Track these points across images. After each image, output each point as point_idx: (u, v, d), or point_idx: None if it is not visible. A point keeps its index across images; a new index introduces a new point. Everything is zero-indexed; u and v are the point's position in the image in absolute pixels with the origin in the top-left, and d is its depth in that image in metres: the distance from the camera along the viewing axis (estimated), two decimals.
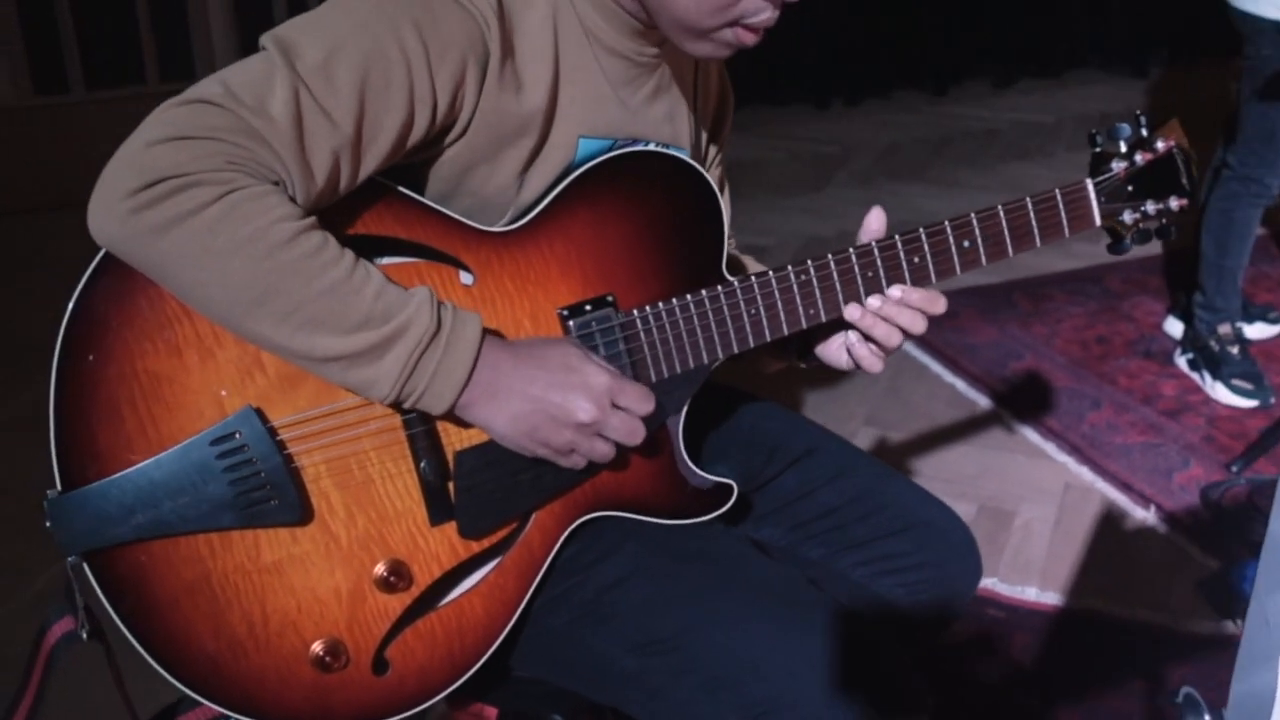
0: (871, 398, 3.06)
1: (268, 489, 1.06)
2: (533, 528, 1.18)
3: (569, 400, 1.09)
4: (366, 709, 1.13)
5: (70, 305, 1.03)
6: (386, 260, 1.13)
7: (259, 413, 1.06)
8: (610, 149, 1.21)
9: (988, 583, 2.36)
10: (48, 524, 1.02)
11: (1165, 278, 3.56)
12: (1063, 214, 1.29)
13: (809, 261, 1.24)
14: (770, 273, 1.23)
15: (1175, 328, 3.22)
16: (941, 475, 2.73)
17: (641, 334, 1.20)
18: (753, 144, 4.69)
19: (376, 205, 1.12)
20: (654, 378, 1.21)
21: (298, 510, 1.08)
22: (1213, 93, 4.94)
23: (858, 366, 1.29)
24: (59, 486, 1.03)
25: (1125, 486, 2.64)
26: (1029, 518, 2.58)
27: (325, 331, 1.01)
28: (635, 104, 1.26)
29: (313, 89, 1.02)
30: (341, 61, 1.03)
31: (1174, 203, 1.32)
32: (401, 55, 1.05)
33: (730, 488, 1.25)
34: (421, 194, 1.16)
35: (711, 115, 1.43)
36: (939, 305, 1.25)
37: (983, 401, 3.02)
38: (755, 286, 1.22)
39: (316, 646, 1.10)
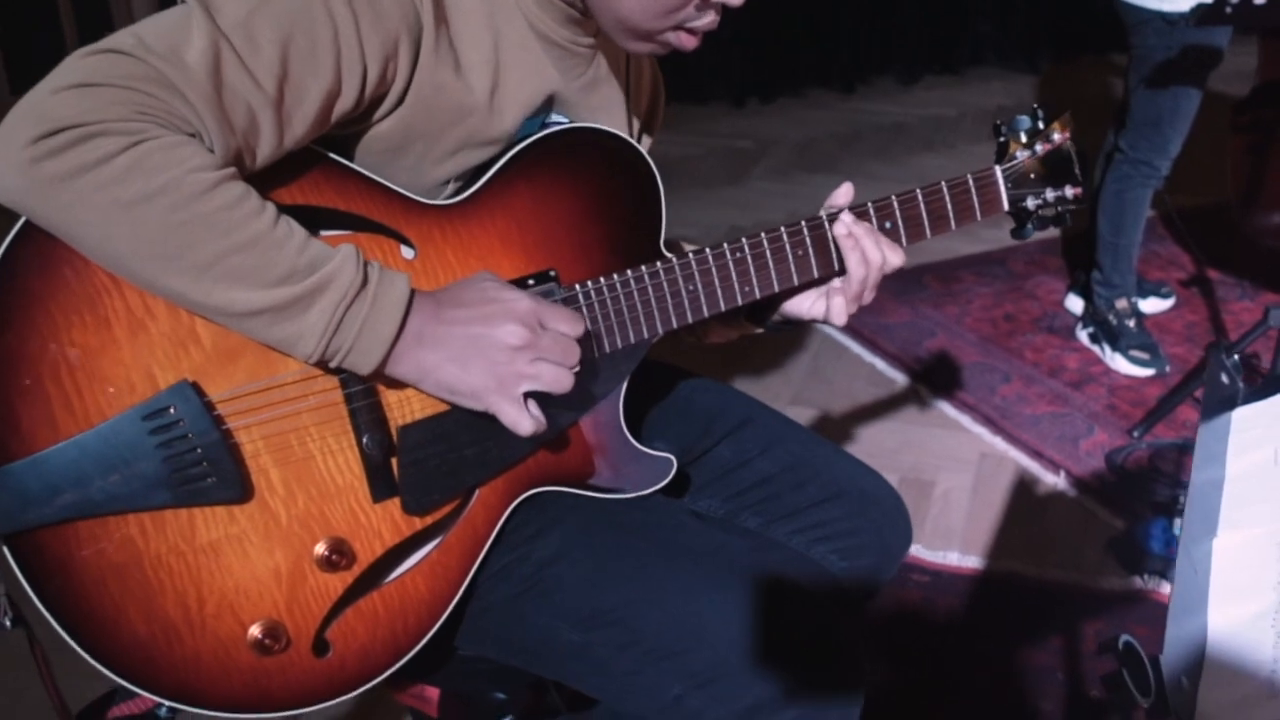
0: (796, 379, 3.01)
1: (204, 466, 0.96)
2: (476, 504, 1.09)
3: (496, 327, 0.98)
4: (307, 692, 1.03)
5: None
6: (325, 232, 1.03)
7: (194, 386, 0.96)
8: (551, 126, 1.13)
9: (913, 550, 2.32)
10: None
11: (1065, 258, 3.56)
12: (974, 198, 1.28)
13: (744, 239, 1.18)
14: (708, 250, 1.16)
15: (1076, 304, 3.21)
16: (864, 450, 2.69)
17: (584, 309, 1.12)
18: (675, 141, 4.62)
19: (313, 175, 1.02)
20: (595, 352, 1.13)
21: (237, 487, 0.98)
22: (1096, 85, 5.02)
23: (826, 319, 1.23)
24: None
25: (1036, 454, 2.62)
26: (948, 487, 2.55)
27: (246, 285, 0.91)
28: (573, 89, 1.18)
29: (234, 42, 0.91)
30: (264, 19, 0.93)
31: (1069, 191, 1.32)
32: (329, 19, 0.96)
33: (670, 461, 1.18)
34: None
35: (645, 109, 1.36)
36: (897, 255, 1.22)
37: (900, 379, 2.99)
38: (693, 264, 1.15)
39: (255, 629, 1.00)
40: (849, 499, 1.36)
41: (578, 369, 1.02)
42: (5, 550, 0.93)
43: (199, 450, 0.96)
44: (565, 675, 1.15)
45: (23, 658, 1.07)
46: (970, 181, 1.28)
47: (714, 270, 1.17)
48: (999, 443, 2.68)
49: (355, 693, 1.05)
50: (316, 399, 1.01)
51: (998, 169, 1.29)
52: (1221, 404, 1.16)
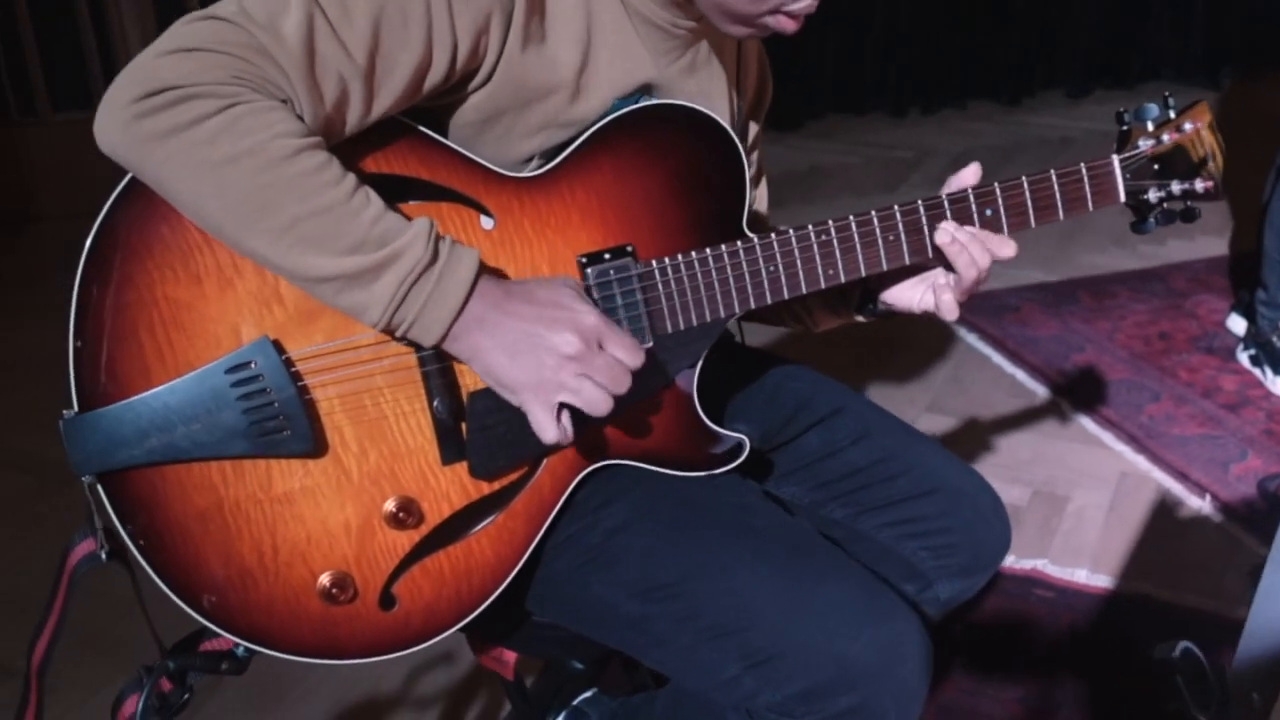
0: (935, 385, 2.92)
1: (281, 419, 0.99)
2: (544, 473, 1.09)
3: (555, 333, 0.97)
4: (373, 643, 1.05)
5: (93, 230, 0.96)
6: (410, 201, 1.04)
7: (275, 344, 0.99)
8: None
9: (1037, 563, 2.21)
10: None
11: (1229, 276, 3.34)
12: (1087, 188, 1.21)
13: (830, 222, 1.14)
14: (791, 231, 1.12)
15: (1238, 325, 3.00)
16: (997, 460, 2.58)
17: (659, 285, 1.10)
18: (832, 149, 4.54)
19: (400, 145, 1.04)
20: (669, 329, 1.11)
21: (309, 442, 1.00)
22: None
23: (936, 312, 1.20)
24: (75, 408, 0.96)
25: (1181, 476, 2.45)
26: (1082, 503, 2.42)
27: (319, 251, 0.93)
28: (670, 74, 1.17)
29: (329, 14, 0.94)
30: None
31: (1199, 184, 1.24)
32: None
33: (743, 442, 1.15)
34: (445, 137, 1.07)
35: (751, 97, 1.33)
36: (1008, 248, 1.17)
37: (1041, 391, 2.85)
38: (775, 244, 1.12)
39: (324, 578, 1.02)
40: (942, 495, 1.30)
41: (622, 394, 1.00)
42: (99, 488, 0.97)
43: (276, 404, 0.99)
44: (627, 646, 1.13)
45: (115, 594, 1.11)
46: (1083, 170, 1.21)
47: (797, 251, 1.13)
48: (1141, 462, 2.53)
49: (419, 647, 1.06)
50: (391, 361, 1.03)
51: (1115, 158, 1.22)
52: None
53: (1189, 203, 1.26)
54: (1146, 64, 5.09)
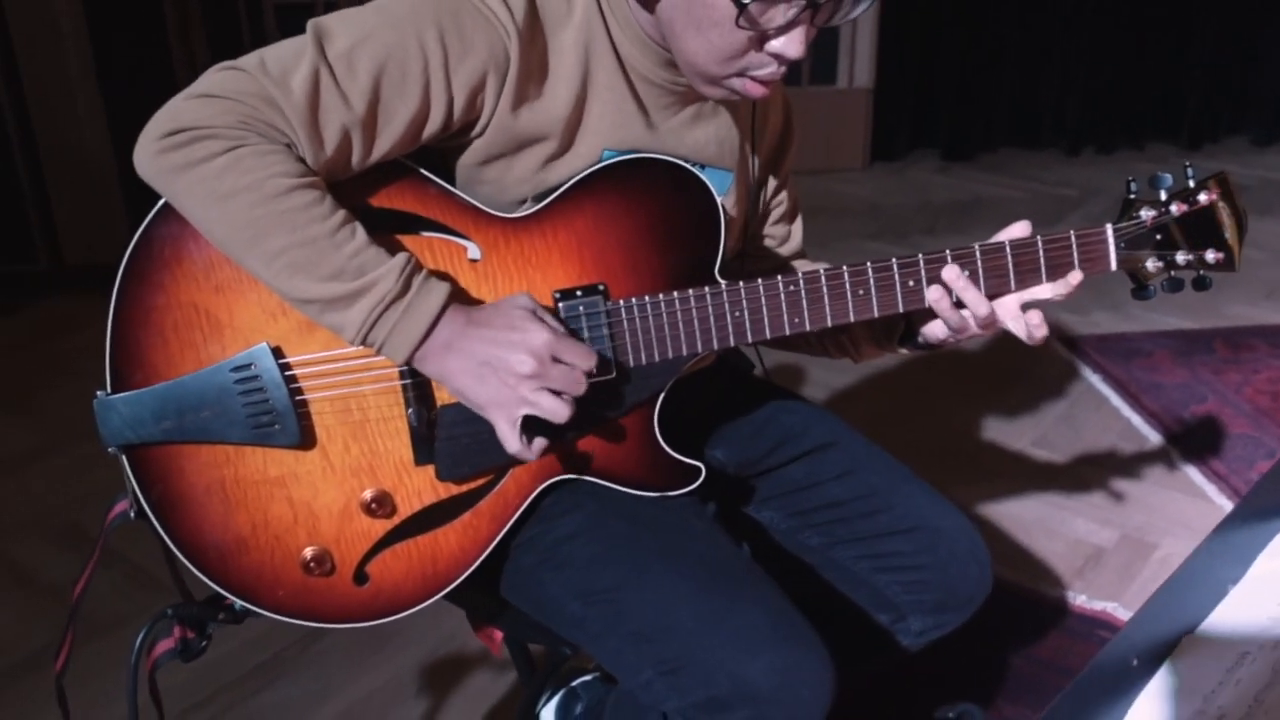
0: (1045, 421, 2.78)
1: (273, 415, 1.09)
2: (509, 480, 1.15)
3: (509, 355, 1.03)
4: (344, 612, 1.14)
5: (133, 241, 1.08)
6: (405, 234, 1.12)
7: (276, 350, 1.09)
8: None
9: (1108, 606, 2.10)
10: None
11: None
12: (1075, 255, 1.18)
13: (799, 274, 1.14)
14: (760, 281, 1.13)
15: None
16: (1090, 501, 2.45)
17: (624, 322, 1.13)
18: (997, 182, 4.38)
19: (401, 184, 1.12)
20: (632, 363, 1.14)
21: (296, 437, 1.10)
22: None
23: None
24: (108, 389, 1.08)
25: None
26: (1169, 552, 2.27)
27: (304, 276, 1.02)
28: (668, 126, 1.20)
29: (335, 71, 1.03)
30: (365, 51, 1.04)
31: (1210, 255, 1.19)
32: (420, 53, 1.04)
33: (697, 469, 1.17)
34: (450, 175, 1.14)
35: (770, 147, 1.34)
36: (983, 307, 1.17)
37: (1154, 438, 2.68)
38: (742, 291, 1.13)
39: (307, 553, 1.12)
40: (921, 534, 1.28)
41: (582, 395, 1.06)
42: (123, 458, 1.09)
43: (269, 402, 1.08)
44: (574, 639, 1.18)
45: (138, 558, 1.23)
46: (1073, 239, 1.19)
47: (763, 300, 1.14)
48: None
49: (386, 619, 1.15)
50: (376, 372, 1.11)
51: (1109, 227, 1.19)
52: None
53: (1201, 271, 1.20)
54: None
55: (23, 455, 2.59)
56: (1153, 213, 1.18)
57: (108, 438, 1.08)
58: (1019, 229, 1.19)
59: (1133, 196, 1.20)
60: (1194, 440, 2.65)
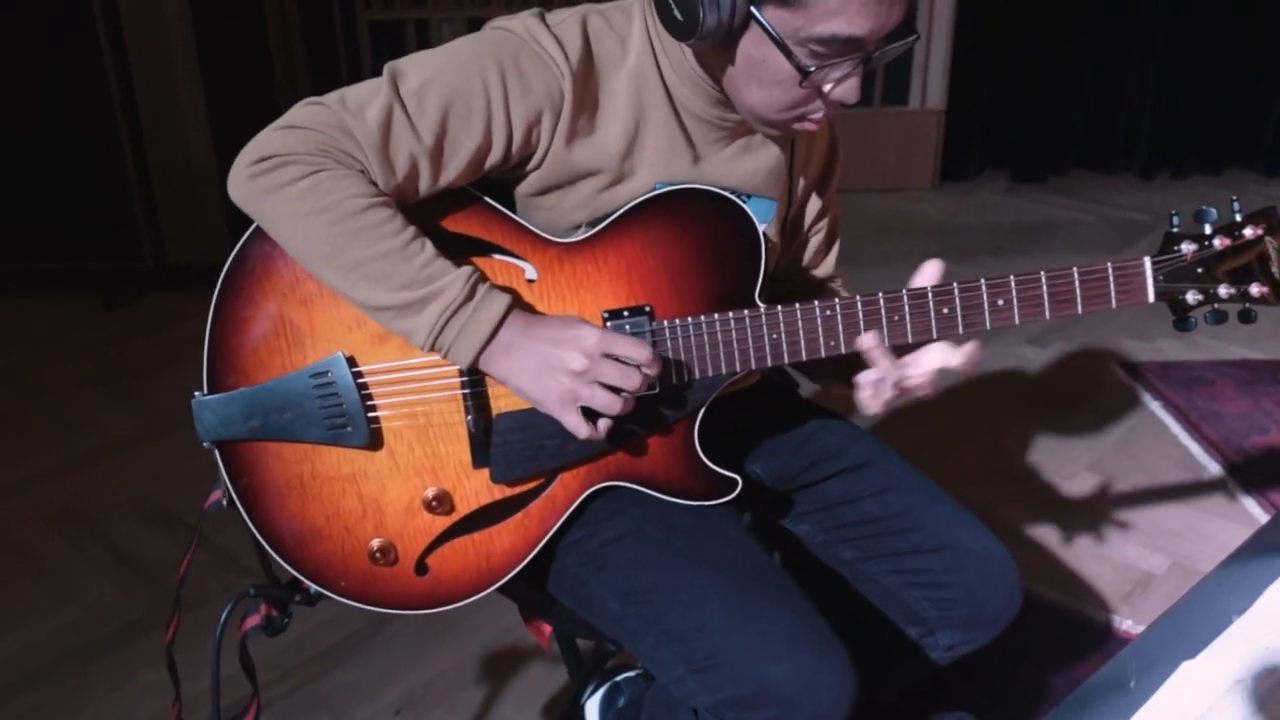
0: (1102, 446, 2.78)
1: (346, 418, 1.19)
2: (558, 485, 1.23)
3: (564, 353, 1.12)
4: (406, 601, 1.23)
5: (229, 258, 1.19)
6: (470, 255, 1.21)
7: (350, 359, 1.18)
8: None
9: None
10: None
11: None
12: (1111, 287, 1.20)
13: (836, 300, 1.20)
14: (798, 306, 1.19)
15: None
16: (1141, 528, 2.45)
17: (668, 341, 1.21)
18: (1068, 205, 4.34)
19: (468, 211, 1.22)
20: (675, 379, 1.21)
21: (366, 439, 1.19)
22: None
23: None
24: (205, 390, 1.19)
25: None
26: None
27: (378, 286, 1.12)
28: (718, 160, 1.27)
29: (406, 106, 1.13)
30: (433, 89, 1.13)
31: (1255, 289, 1.19)
32: (484, 91, 1.13)
33: (734, 481, 1.24)
34: (511, 202, 1.23)
35: (817, 172, 1.40)
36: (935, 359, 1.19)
37: (1213, 468, 2.66)
38: (780, 315, 1.20)
39: (374, 544, 1.21)
40: (951, 553, 1.33)
41: (636, 391, 1.14)
42: (216, 452, 1.19)
43: (343, 406, 1.18)
44: (614, 636, 1.26)
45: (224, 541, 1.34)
46: (1110, 271, 1.20)
47: (800, 324, 1.21)
48: None
49: (444, 608, 1.24)
50: (440, 381, 1.20)
51: (1147, 260, 1.20)
52: None
53: (1247, 305, 1.21)
54: None
55: (125, 441, 2.75)
56: (1193, 246, 1.18)
57: (203, 434, 1.19)
58: (931, 271, 1.20)
59: (1175, 229, 1.20)
60: (1253, 471, 2.62)
